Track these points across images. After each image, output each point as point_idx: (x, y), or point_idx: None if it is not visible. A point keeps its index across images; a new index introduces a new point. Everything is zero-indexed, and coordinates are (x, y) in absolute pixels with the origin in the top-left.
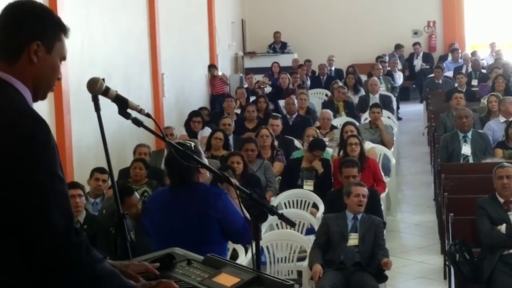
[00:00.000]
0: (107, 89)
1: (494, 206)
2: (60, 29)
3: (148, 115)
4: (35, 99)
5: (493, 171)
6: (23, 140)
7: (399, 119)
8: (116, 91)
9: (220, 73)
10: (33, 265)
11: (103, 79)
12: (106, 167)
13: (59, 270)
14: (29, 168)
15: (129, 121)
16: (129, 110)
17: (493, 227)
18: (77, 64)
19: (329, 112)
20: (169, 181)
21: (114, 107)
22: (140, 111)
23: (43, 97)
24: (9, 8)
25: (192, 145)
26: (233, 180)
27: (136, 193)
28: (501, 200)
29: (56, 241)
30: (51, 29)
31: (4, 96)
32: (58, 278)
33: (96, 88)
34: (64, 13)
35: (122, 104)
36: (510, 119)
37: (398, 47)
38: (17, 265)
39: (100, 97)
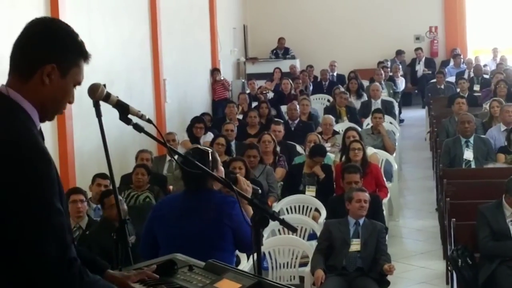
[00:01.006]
0: (108, 95)
1: (496, 215)
2: (81, 55)
3: (149, 121)
4: (42, 120)
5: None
6: (20, 170)
7: (401, 124)
8: (117, 97)
9: (222, 78)
10: None
11: (105, 85)
12: (108, 173)
13: None
14: (24, 199)
15: (131, 127)
16: (130, 116)
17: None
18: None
19: (331, 117)
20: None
21: (116, 113)
22: (141, 116)
23: (50, 119)
24: (34, 24)
25: (209, 152)
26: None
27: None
28: (509, 209)
29: (47, 274)
30: (70, 54)
31: (12, 118)
32: None
33: (97, 94)
34: (66, 19)
35: (123, 110)
36: (510, 127)
37: (399, 52)
38: None
39: (102, 103)
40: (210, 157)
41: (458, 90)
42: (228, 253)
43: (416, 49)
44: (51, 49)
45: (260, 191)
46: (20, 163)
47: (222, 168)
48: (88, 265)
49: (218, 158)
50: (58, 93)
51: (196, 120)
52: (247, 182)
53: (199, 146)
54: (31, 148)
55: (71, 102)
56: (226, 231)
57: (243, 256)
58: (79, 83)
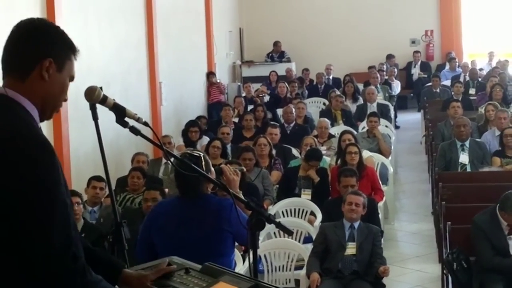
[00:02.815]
0: (105, 97)
1: (494, 229)
2: (71, 49)
3: (145, 124)
4: (41, 119)
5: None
6: (28, 163)
7: (396, 127)
8: (114, 100)
9: (218, 80)
10: (31, 285)
11: (101, 88)
12: (104, 176)
13: None
14: (29, 192)
15: (127, 130)
16: (126, 119)
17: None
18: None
19: (326, 121)
20: (178, 192)
21: (112, 115)
22: (138, 119)
23: (49, 117)
24: (21, 25)
25: (201, 156)
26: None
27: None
28: (505, 223)
29: (53, 266)
30: (63, 48)
31: (12, 115)
32: None
33: (94, 96)
34: (62, 22)
35: (120, 113)
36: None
37: (389, 57)
38: (16, 284)
39: (98, 106)
40: (203, 161)
41: (453, 93)
42: (228, 257)
43: (415, 52)
44: (45, 44)
45: (244, 169)
46: (24, 157)
47: (213, 170)
48: (104, 265)
49: (209, 161)
50: (57, 88)
51: (190, 124)
52: (232, 170)
53: (189, 151)
54: (35, 142)
55: (65, 100)
56: (226, 236)
57: (238, 259)
58: (72, 78)
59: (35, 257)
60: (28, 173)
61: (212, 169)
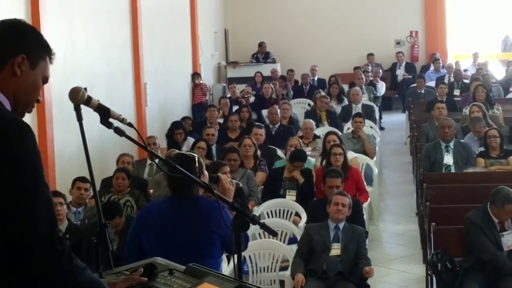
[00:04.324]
0: (89, 98)
1: (487, 225)
2: (46, 50)
3: (130, 125)
4: None
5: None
6: (11, 146)
7: (381, 128)
8: (98, 101)
9: (201, 82)
10: (16, 270)
11: (85, 89)
12: (88, 176)
13: (41, 276)
14: (16, 174)
15: (112, 131)
16: (111, 120)
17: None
18: (59, 73)
19: (311, 121)
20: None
21: (96, 116)
22: (122, 120)
23: (21, 115)
24: None
25: (196, 158)
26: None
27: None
28: (496, 220)
29: (40, 247)
30: (38, 47)
31: None
32: (40, 285)
33: (78, 97)
34: (47, 23)
35: (104, 114)
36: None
37: (369, 55)
38: (3, 268)
39: (83, 107)
40: (197, 163)
41: (437, 94)
42: (216, 259)
43: (398, 53)
44: (19, 41)
45: (241, 185)
46: (7, 139)
47: (207, 173)
48: None
49: (203, 163)
50: (29, 85)
51: (175, 126)
52: (228, 180)
53: (184, 152)
54: (17, 124)
55: (39, 101)
56: (215, 239)
57: (223, 260)
58: (46, 79)
59: (21, 240)
60: (12, 156)
61: (206, 172)
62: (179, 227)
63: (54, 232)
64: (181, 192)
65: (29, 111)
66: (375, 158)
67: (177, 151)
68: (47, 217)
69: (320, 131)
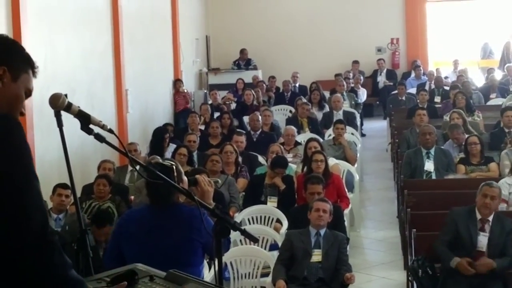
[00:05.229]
0: (70, 104)
1: (467, 220)
2: (29, 63)
3: (110, 131)
4: None
5: (479, 186)
6: (1, 140)
7: (362, 135)
8: (79, 107)
9: (184, 89)
10: (9, 261)
11: (66, 95)
12: (69, 183)
13: (34, 266)
14: (8, 166)
15: (92, 137)
16: (91, 126)
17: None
18: (40, 79)
19: (293, 128)
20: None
21: (77, 123)
22: (103, 126)
23: None
24: None
25: (174, 167)
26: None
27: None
28: (478, 216)
29: (33, 238)
30: (19, 60)
31: None
32: (30, 276)
33: (58, 103)
34: (27, 29)
35: (85, 120)
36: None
37: (354, 62)
38: None
39: (63, 113)
40: (175, 172)
41: (418, 101)
42: (197, 267)
43: (379, 59)
44: (1, 54)
45: (219, 181)
46: (1, 132)
47: (186, 179)
48: None
49: (182, 170)
50: (11, 97)
51: (162, 131)
52: (207, 181)
53: (161, 161)
54: (7, 118)
55: (23, 114)
56: (197, 246)
57: (204, 266)
58: (30, 92)
59: (13, 231)
60: (3, 149)
61: (185, 178)
62: (160, 236)
63: (46, 223)
64: (161, 200)
65: None
66: (356, 165)
67: (158, 158)
68: (39, 209)
69: (302, 138)
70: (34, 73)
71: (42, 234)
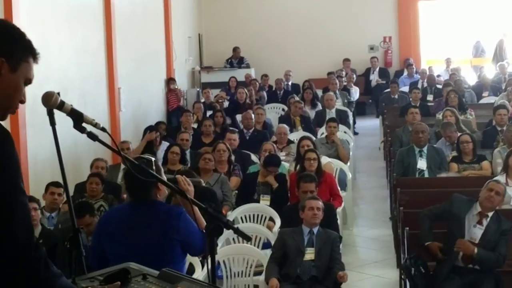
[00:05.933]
0: (62, 103)
1: (467, 209)
2: (29, 51)
3: (103, 129)
4: None
5: (486, 182)
6: None
7: (355, 133)
8: (71, 105)
9: (176, 87)
10: None
11: (58, 93)
12: (62, 181)
13: (18, 283)
14: None
15: (85, 135)
16: (84, 124)
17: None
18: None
19: (285, 126)
20: (128, 196)
21: (70, 121)
22: (95, 125)
23: (2, 118)
24: None
25: (152, 160)
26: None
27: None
28: (478, 209)
29: (17, 254)
30: (19, 49)
31: None
32: None
33: (51, 102)
34: (19, 26)
35: (77, 118)
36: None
37: (345, 60)
38: None
39: (56, 111)
40: (154, 166)
41: (411, 99)
42: (179, 264)
43: (372, 58)
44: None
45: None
46: None
47: (164, 176)
48: None
49: (161, 167)
50: (9, 88)
51: (150, 129)
52: (187, 181)
53: (141, 155)
54: None
55: (23, 102)
56: (175, 244)
57: (197, 265)
58: (29, 81)
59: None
60: None
61: (163, 176)
62: (139, 234)
63: (31, 239)
64: (138, 195)
65: (12, 112)
66: (349, 163)
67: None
68: (25, 224)
69: (294, 136)
70: (35, 59)
71: (28, 250)
